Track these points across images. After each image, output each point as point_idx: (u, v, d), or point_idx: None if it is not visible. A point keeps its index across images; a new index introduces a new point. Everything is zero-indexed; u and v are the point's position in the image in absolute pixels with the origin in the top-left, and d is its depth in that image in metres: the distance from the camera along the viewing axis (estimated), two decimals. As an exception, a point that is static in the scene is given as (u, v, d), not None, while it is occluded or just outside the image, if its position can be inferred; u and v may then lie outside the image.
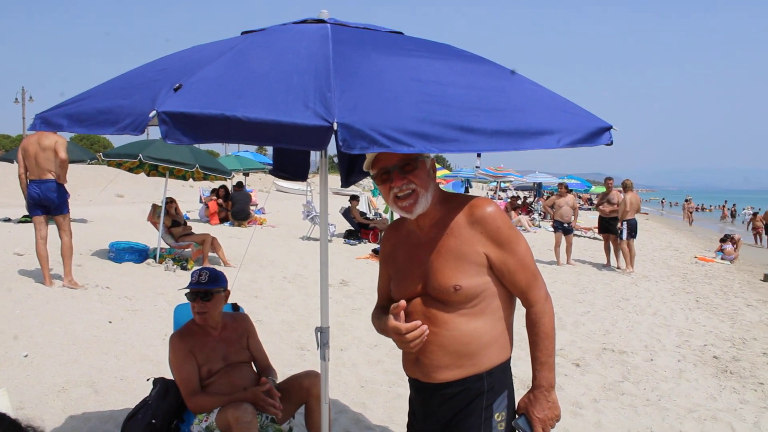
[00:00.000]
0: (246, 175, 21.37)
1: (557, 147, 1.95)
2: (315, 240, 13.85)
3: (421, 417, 2.26)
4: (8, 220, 13.67)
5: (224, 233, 13.03)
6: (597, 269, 12.70)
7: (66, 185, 7.24)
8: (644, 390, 5.30)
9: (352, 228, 15.15)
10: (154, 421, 3.28)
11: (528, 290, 2.10)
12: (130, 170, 10.30)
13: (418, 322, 2.08)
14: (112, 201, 23.85)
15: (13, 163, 10.87)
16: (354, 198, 15.81)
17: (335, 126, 1.67)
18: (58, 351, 5.09)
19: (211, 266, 9.28)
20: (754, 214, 27.74)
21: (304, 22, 2.35)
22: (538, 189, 35.64)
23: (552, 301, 2.14)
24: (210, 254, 10.16)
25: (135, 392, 4.34)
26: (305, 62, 1.92)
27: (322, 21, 2.33)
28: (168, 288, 7.70)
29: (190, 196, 24.65)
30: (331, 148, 2.05)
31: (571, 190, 17.68)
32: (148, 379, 3.69)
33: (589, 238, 19.42)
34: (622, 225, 12.29)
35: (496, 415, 2.10)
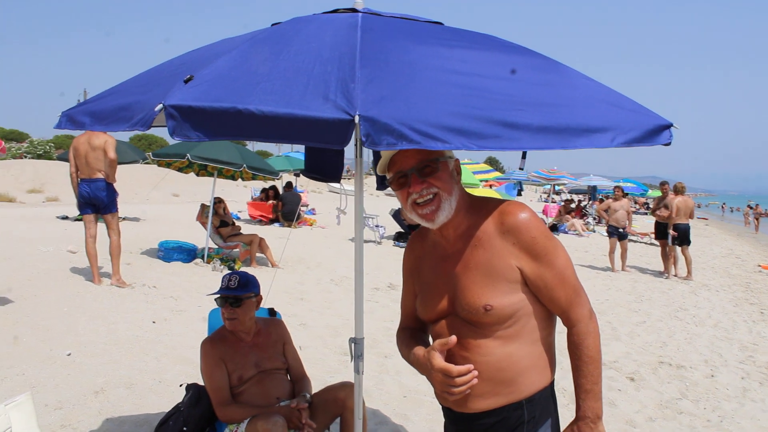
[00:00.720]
0: (297, 175, 21.27)
1: (611, 146, 1.74)
2: (367, 242, 13.75)
3: None
4: (65, 217, 14.11)
5: (273, 234, 13.06)
6: (653, 276, 12.21)
7: (115, 185, 7.34)
8: (704, 410, 4.93)
9: (402, 230, 14.97)
10: (185, 428, 3.21)
11: (569, 308, 1.84)
12: (180, 170, 10.34)
13: (471, 366, 1.79)
14: (168, 200, 24.42)
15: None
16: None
17: (357, 119, 1.50)
18: (100, 350, 5.11)
19: (252, 268, 9.31)
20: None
21: (335, 11, 2.19)
22: (593, 192, 34.68)
23: (597, 320, 1.88)
24: (258, 255, 10.16)
25: (171, 395, 4.28)
26: (328, 51, 1.76)
27: (354, 11, 2.16)
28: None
29: (242, 196, 24.95)
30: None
31: (627, 194, 17.14)
32: (181, 385, 3.62)
33: (646, 243, 18.75)
34: (669, 230, 12.06)
35: None
